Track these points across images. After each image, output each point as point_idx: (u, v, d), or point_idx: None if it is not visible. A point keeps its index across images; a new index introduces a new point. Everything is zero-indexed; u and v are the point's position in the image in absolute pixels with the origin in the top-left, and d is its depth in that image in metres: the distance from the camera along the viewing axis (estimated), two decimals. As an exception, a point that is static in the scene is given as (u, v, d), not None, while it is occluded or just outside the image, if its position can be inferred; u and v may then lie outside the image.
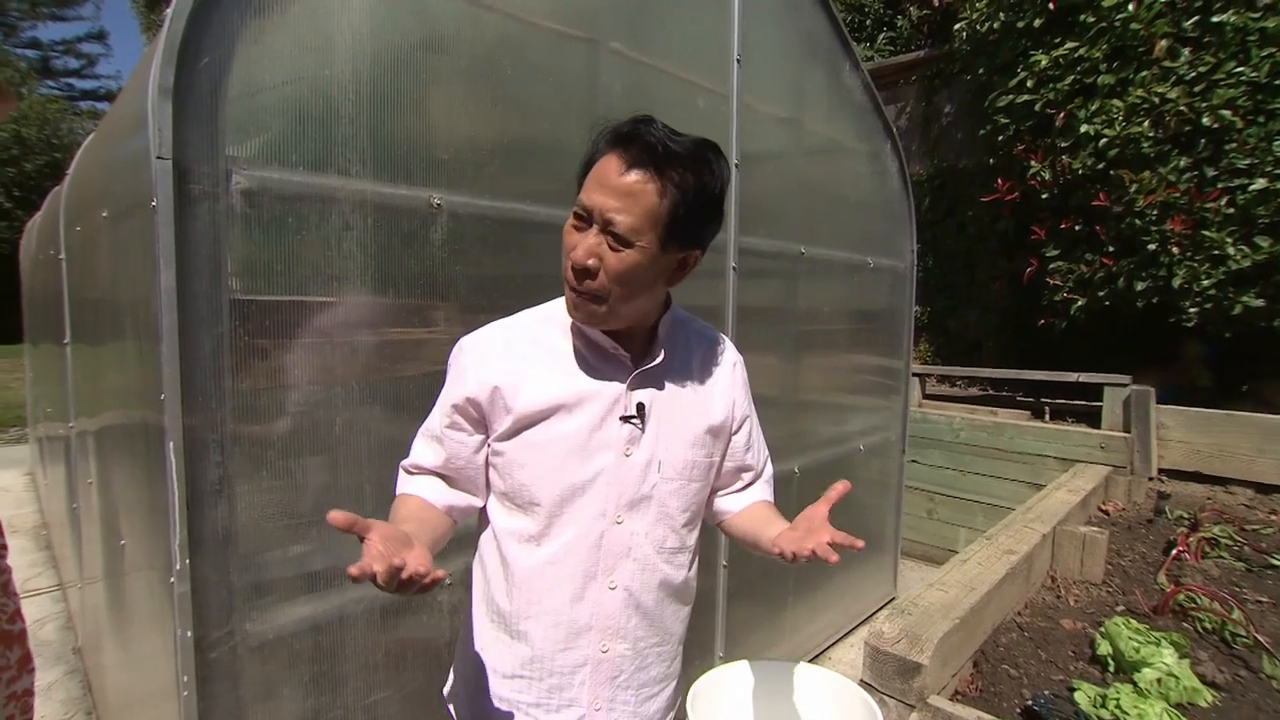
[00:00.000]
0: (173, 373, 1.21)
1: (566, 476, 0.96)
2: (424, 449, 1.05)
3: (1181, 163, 3.91)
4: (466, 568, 1.63)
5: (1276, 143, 3.66)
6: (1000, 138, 4.78)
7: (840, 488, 0.94)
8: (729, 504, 1.15)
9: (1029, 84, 4.46)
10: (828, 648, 3.21)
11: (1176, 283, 3.95)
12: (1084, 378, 4.17)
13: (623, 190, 0.87)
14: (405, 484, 1.06)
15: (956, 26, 5.23)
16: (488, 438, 1.01)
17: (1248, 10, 3.73)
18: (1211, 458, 3.71)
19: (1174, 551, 2.72)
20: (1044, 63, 4.34)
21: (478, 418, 1.00)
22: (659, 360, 1.01)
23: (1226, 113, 3.73)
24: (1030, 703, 1.74)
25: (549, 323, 1.03)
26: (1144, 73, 4.00)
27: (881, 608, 3.53)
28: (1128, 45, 4.05)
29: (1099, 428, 4.04)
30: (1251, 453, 3.56)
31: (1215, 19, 3.80)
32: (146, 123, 1.17)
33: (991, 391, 5.40)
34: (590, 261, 0.89)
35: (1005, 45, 4.71)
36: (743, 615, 2.62)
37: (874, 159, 3.34)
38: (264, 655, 1.37)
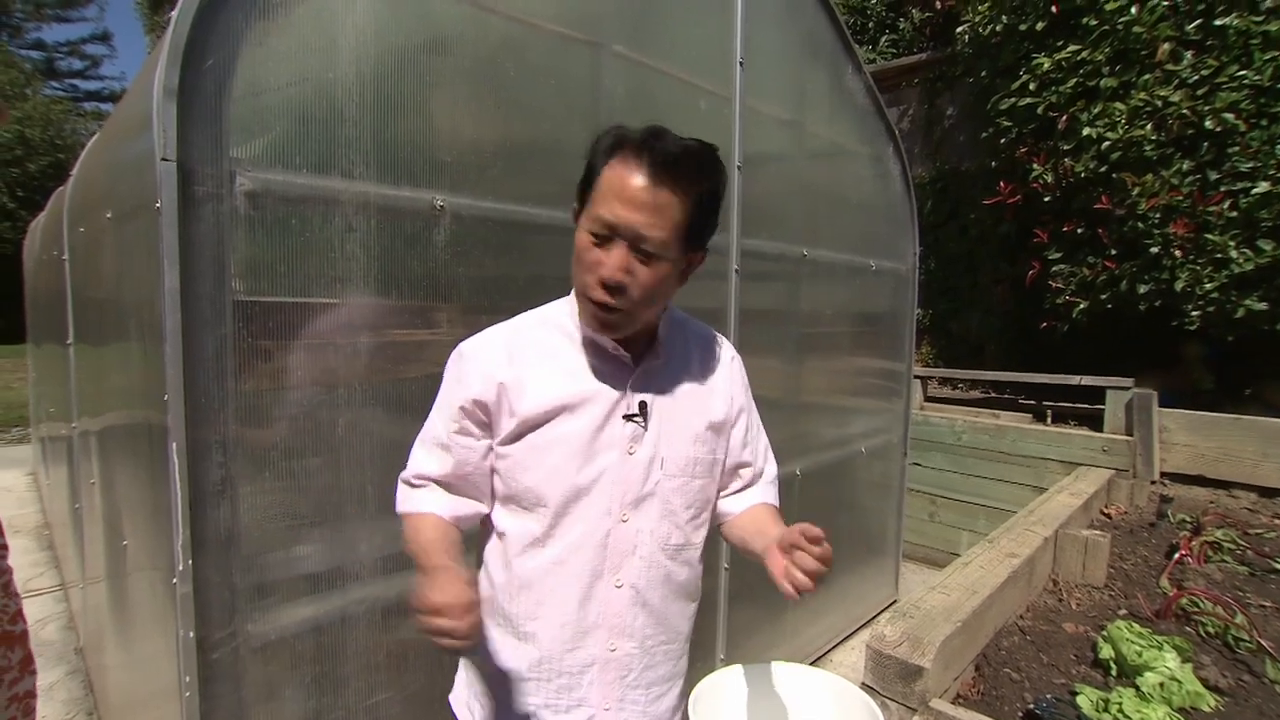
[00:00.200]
0: (176, 373, 1.21)
1: (571, 477, 0.96)
2: (427, 458, 1.03)
3: (1184, 166, 3.91)
4: (468, 568, 1.64)
5: (1279, 146, 3.65)
6: (1002, 140, 4.77)
7: (815, 533, 0.91)
8: (728, 506, 1.15)
9: (1031, 87, 4.45)
10: (829, 650, 3.20)
11: (1179, 286, 3.94)
12: (1086, 381, 4.16)
13: (650, 205, 0.88)
14: (411, 499, 1.05)
15: (959, 29, 5.23)
16: (493, 441, 1.01)
17: (1250, 14, 3.73)
18: (1215, 461, 3.70)
19: (1176, 555, 2.72)
20: (1046, 66, 4.34)
21: (485, 421, 1.00)
22: (659, 359, 1.02)
23: (1229, 116, 3.73)
24: (1032, 706, 1.73)
25: (547, 325, 1.03)
26: (1146, 76, 3.99)
27: (883, 610, 3.53)
28: (1130, 48, 4.05)
29: (1101, 431, 4.03)
30: (1255, 456, 3.55)
31: (1218, 22, 3.79)
32: (151, 124, 1.17)
33: (993, 394, 5.39)
34: (624, 278, 0.90)
35: (1008, 48, 4.71)
36: (744, 617, 2.62)
37: (876, 161, 3.35)
38: (266, 656, 1.37)
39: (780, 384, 2.85)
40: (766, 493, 1.17)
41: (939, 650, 1.71)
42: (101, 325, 2.03)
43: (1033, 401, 4.70)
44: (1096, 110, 4.14)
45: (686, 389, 1.06)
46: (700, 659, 2.36)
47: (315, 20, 1.37)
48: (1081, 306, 4.46)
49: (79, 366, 2.63)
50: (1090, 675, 1.95)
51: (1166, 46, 3.90)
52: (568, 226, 1.00)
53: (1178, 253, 3.92)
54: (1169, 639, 1.94)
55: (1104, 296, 4.33)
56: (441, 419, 1.02)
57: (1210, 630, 2.15)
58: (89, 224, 2.22)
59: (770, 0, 2.53)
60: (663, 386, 1.03)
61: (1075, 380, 4.22)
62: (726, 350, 1.15)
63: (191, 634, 1.25)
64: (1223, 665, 1.95)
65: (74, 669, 2.89)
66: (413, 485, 1.05)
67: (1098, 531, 2.70)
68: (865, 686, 1.74)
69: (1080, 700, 1.71)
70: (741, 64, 2.38)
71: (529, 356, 0.99)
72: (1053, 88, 4.36)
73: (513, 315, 1.08)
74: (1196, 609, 2.23)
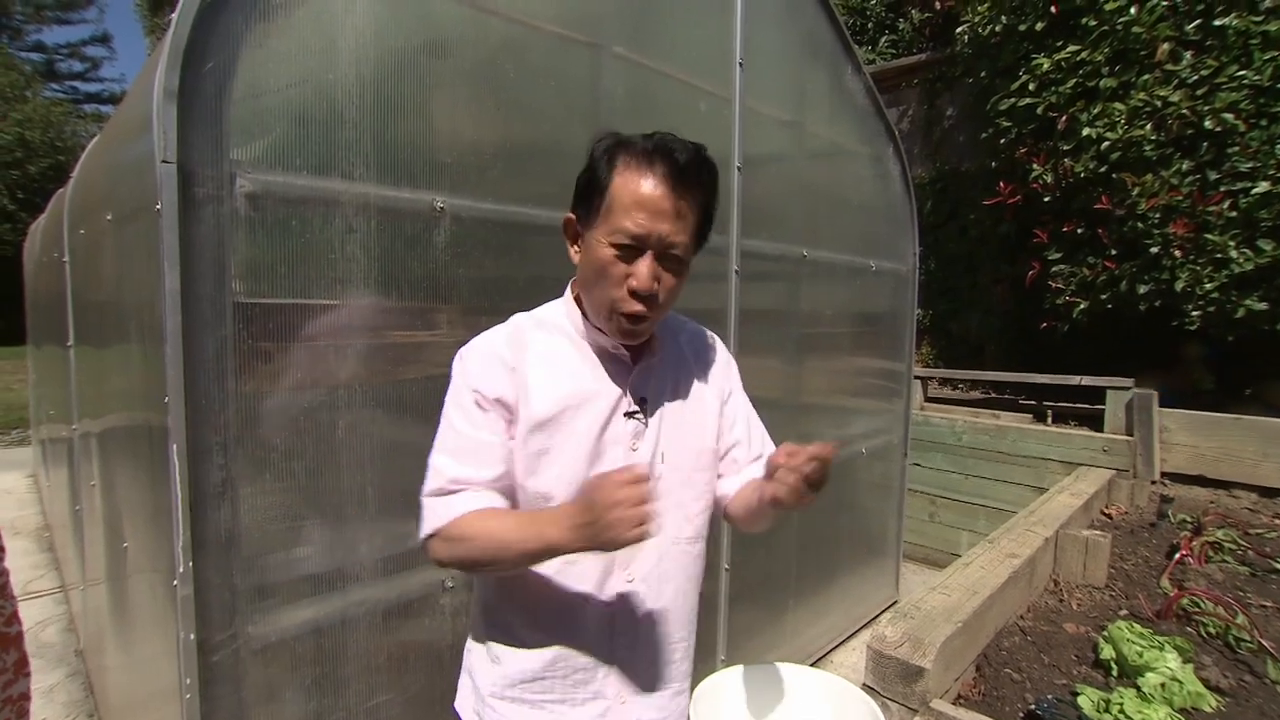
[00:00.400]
0: (176, 375, 1.21)
1: (579, 476, 0.97)
2: (458, 463, 0.95)
3: (1184, 166, 3.91)
4: (469, 570, 1.64)
5: (1279, 146, 3.65)
6: (1002, 141, 4.78)
7: (827, 449, 0.89)
8: (729, 488, 1.15)
9: (1031, 87, 4.46)
10: (829, 651, 3.20)
11: (1179, 286, 3.94)
12: (1086, 381, 4.16)
13: (672, 212, 0.90)
14: (451, 505, 0.93)
15: (958, 29, 5.23)
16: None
17: (1250, 14, 3.73)
18: (1215, 461, 3.70)
19: (1177, 555, 2.71)
20: (1046, 66, 4.34)
21: (509, 418, 0.98)
22: (656, 356, 1.05)
23: (1229, 116, 3.73)
24: (1033, 707, 1.73)
25: (545, 327, 1.04)
26: (1146, 76, 4.00)
27: (883, 611, 3.53)
28: (1130, 48, 4.05)
29: (1102, 431, 4.03)
30: (1255, 456, 3.55)
31: (1217, 22, 3.80)
32: (151, 126, 1.18)
33: (994, 394, 5.39)
34: (656, 288, 0.93)
35: (1007, 48, 4.71)
36: (744, 619, 2.61)
37: (876, 162, 3.35)
38: (266, 658, 1.37)
39: (780, 384, 2.85)
40: (759, 468, 1.17)
41: (940, 651, 1.71)
42: (102, 327, 2.03)
43: (1033, 402, 4.70)
44: (1096, 110, 4.14)
45: (683, 383, 1.08)
46: (700, 660, 2.35)
47: (315, 22, 1.37)
48: (1081, 307, 4.46)
49: (79, 368, 2.63)
50: (1091, 676, 1.95)
51: (1166, 46, 3.91)
52: (566, 229, 1.01)
53: (1178, 253, 3.92)
54: (1170, 639, 1.94)
55: (1104, 296, 4.33)
56: (464, 420, 0.97)
57: (1211, 630, 2.15)
58: (89, 226, 2.22)
59: (770, 1, 2.54)
60: (660, 382, 1.06)
61: (1075, 380, 4.22)
62: (716, 343, 1.19)
63: (192, 636, 1.25)
64: (1224, 665, 1.95)
65: (74, 671, 2.88)
66: (449, 492, 0.95)
67: (1098, 532, 2.70)
68: (866, 687, 1.74)
69: (1081, 701, 1.71)
70: (741, 65, 2.38)
71: (531, 357, 1.00)
72: (1052, 88, 4.37)
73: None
74: (1197, 609, 2.23)
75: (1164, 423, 3.83)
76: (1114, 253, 4.27)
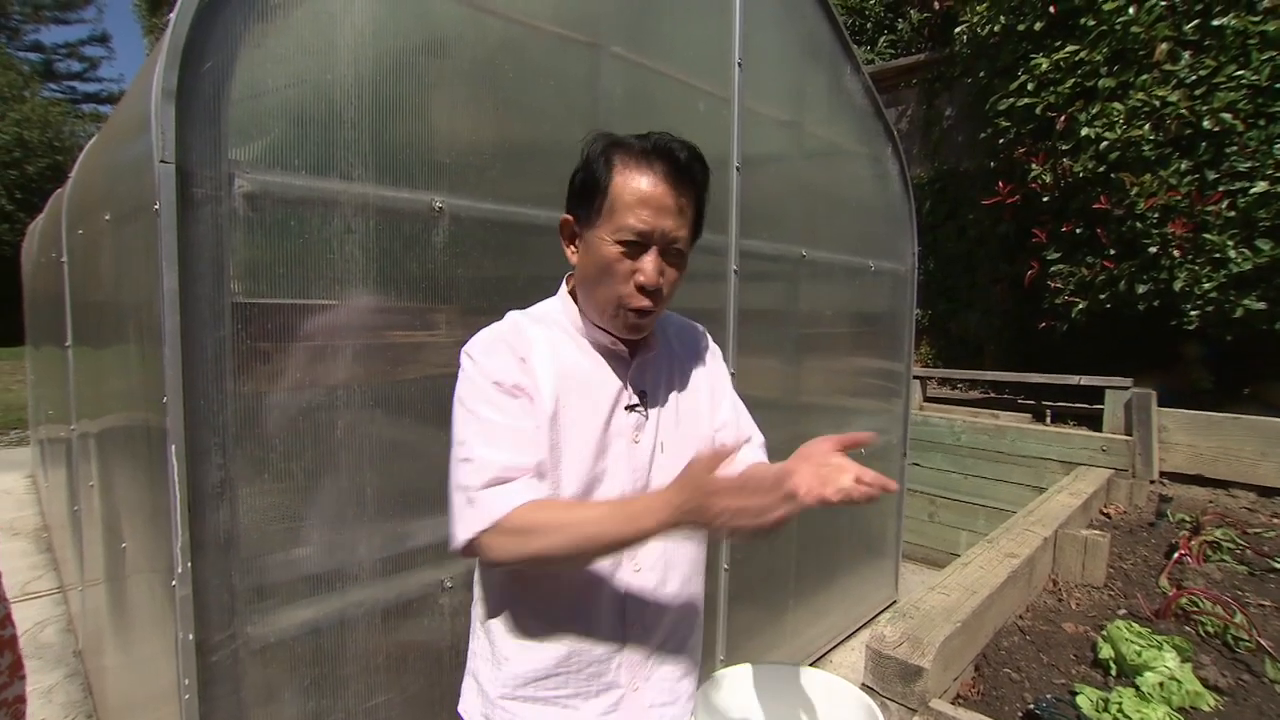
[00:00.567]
0: (175, 375, 1.21)
1: (585, 470, 0.98)
2: (500, 451, 0.91)
3: (1182, 166, 3.91)
4: (468, 569, 1.64)
5: (1277, 146, 3.65)
6: (1001, 141, 4.78)
7: (864, 436, 0.89)
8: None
9: (1030, 87, 4.46)
10: (829, 651, 3.20)
11: (1178, 286, 3.94)
12: (1085, 381, 4.17)
13: (674, 208, 0.94)
14: (510, 494, 0.89)
15: (957, 30, 5.24)
16: None
17: (1248, 14, 3.74)
18: (1213, 461, 3.70)
19: (1176, 555, 2.72)
20: (1045, 66, 4.35)
21: (531, 406, 0.96)
22: (652, 351, 1.08)
23: (1227, 116, 3.73)
24: (1032, 706, 1.73)
25: (544, 323, 1.05)
26: (1144, 76, 4.00)
27: (883, 611, 3.53)
28: (1128, 48, 4.06)
29: (1100, 431, 4.04)
30: (1254, 456, 3.55)
31: (1216, 22, 3.80)
32: (149, 126, 1.17)
33: (993, 394, 5.39)
34: (662, 282, 0.96)
35: (1006, 48, 4.71)
36: (744, 619, 2.62)
37: (875, 162, 3.35)
38: (265, 658, 1.37)
39: (779, 384, 2.85)
40: (758, 454, 1.19)
41: (939, 651, 1.71)
42: (100, 327, 2.03)
43: (1032, 401, 4.70)
44: (1095, 110, 4.14)
45: (677, 375, 1.12)
46: (700, 660, 2.36)
47: (314, 22, 1.37)
48: (1080, 306, 4.46)
49: (77, 369, 2.63)
50: (1090, 675, 1.95)
51: (1164, 46, 3.91)
52: (564, 229, 1.01)
53: (1176, 252, 3.92)
54: (1168, 639, 1.94)
55: (1103, 296, 4.34)
56: (493, 410, 0.93)
57: (1210, 630, 2.15)
58: (87, 226, 2.21)
59: (769, 1, 2.54)
60: (657, 376, 1.09)
61: (1074, 380, 4.23)
62: (701, 333, 1.23)
63: (191, 636, 1.25)
64: (1222, 665, 1.95)
65: (73, 672, 2.88)
66: (503, 480, 0.90)
67: (1097, 531, 2.70)
68: (865, 687, 1.74)
69: (1080, 700, 1.71)
70: (740, 65, 2.38)
71: (535, 351, 1.01)
72: (1051, 88, 4.37)
73: (512, 317, 1.08)
74: (1196, 608, 2.23)
75: (1163, 422, 3.84)
76: (1113, 252, 4.27)
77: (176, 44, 1.18)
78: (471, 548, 0.90)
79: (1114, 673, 1.93)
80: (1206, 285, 3.86)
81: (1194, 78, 3.87)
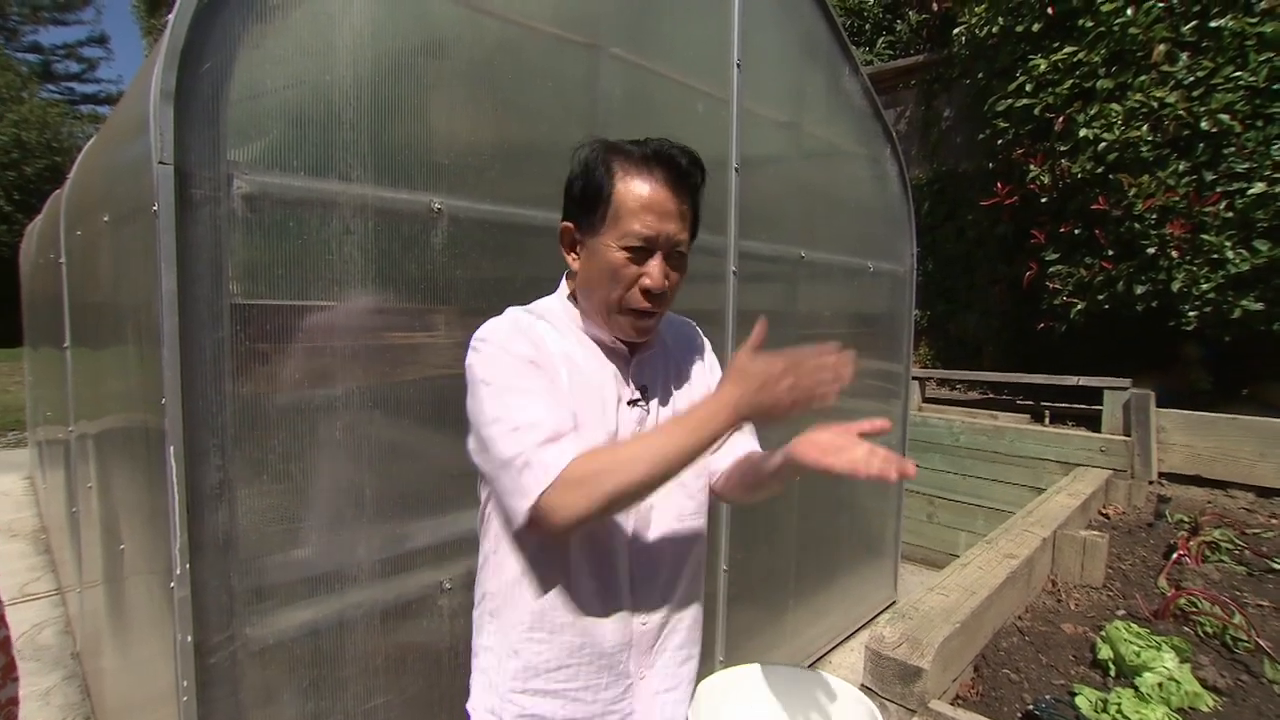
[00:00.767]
0: (173, 377, 1.21)
1: None
2: (548, 414, 0.91)
3: (1180, 167, 3.92)
4: (467, 571, 1.64)
5: (1275, 147, 3.66)
6: (999, 142, 4.79)
7: (879, 424, 0.91)
8: (717, 463, 1.19)
9: (1028, 88, 4.47)
10: (828, 652, 3.20)
11: (1176, 286, 3.95)
12: (1084, 381, 4.17)
13: (677, 213, 0.97)
14: (562, 450, 0.88)
15: (955, 31, 5.24)
16: None
17: (1245, 15, 3.74)
18: (1212, 461, 3.71)
19: (1174, 555, 2.72)
20: (1043, 67, 4.35)
21: (553, 385, 0.98)
22: (651, 348, 1.10)
23: (1225, 117, 3.74)
24: (1031, 707, 1.73)
25: (546, 319, 1.06)
26: (1142, 77, 4.01)
27: (882, 612, 3.53)
28: (1126, 50, 4.06)
29: (1099, 431, 4.04)
30: (1252, 456, 3.56)
31: (1213, 24, 3.81)
32: (148, 127, 1.17)
33: (991, 395, 5.40)
34: (667, 285, 0.99)
35: (1004, 50, 4.72)
36: (743, 619, 2.61)
37: (873, 163, 3.35)
38: (264, 660, 1.37)
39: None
40: (751, 442, 1.22)
41: (938, 651, 1.71)
42: (98, 329, 2.03)
43: (1030, 402, 4.71)
44: (1093, 111, 4.15)
45: (674, 370, 1.14)
46: (699, 661, 2.36)
47: (312, 23, 1.37)
48: (1079, 307, 4.46)
49: (76, 370, 2.62)
50: (1089, 676, 1.95)
51: (1162, 48, 3.92)
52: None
53: (1174, 253, 3.93)
54: (1167, 639, 1.94)
55: (1101, 297, 4.34)
56: (525, 380, 0.94)
57: (1208, 630, 2.15)
58: (86, 227, 2.21)
59: (767, 2, 2.54)
60: (655, 371, 1.11)
61: (1073, 381, 4.23)
62: (694, 329, 1.26)
63: (189, 638, 1.25)
64: (1221, 665, 1.96)
65: (71, 673, 2.88)
66: (556, 437, 0.89)
67: (1096, 532, 2.71)
68: (864, 688, 1.74)
69: (1079, 701, 1.71)
70: (739, 66, 2.38)
71: (544, 344, 1.02)
72: (1049, 89, 4.38)
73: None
74: (1194, 609, 2.24)
75: (1161, 423, 3.84)
76: (1111, 253, 4.27)
77: (175, 45, 1.17)
78: (538, 514, 0.87)
79: (1113, 673, 1.93)
80: (1204, 286, 3.86)
81: (1192, 79, 3.87)
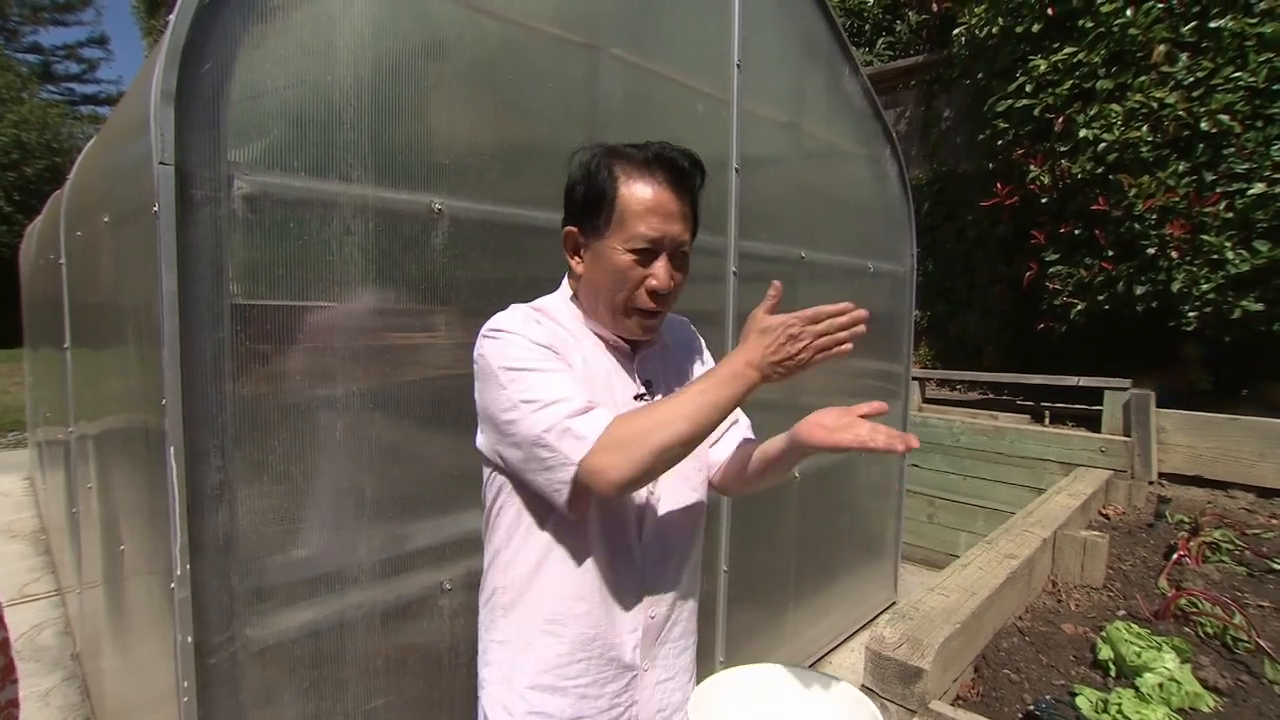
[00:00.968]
0: (174, 377, 1.21)
1: None
2: (576, 390, 0.93)
3: (1180, 167, 3.92)
4: (468, 572, 1.64)
5: (1275, 147, 3.66)
6: (999, 142, 4.79)
7: (877, 405, 0.94)
8: (717, 455, 1.21)
9: (1028, 89, 4.47)
10: (828, 652, 3.20)
11: (1176, 287, 3.95)
12: (1084, 381, 4.17)
13: (680, 214, 0.99)
14: (600, 415, 0.90)
15: (955, 31, 5.25)
16: None
17: (1245, 16, 3.74)
18: (1212, 461, 3.71)
19: (1175, 556, 2.72)
20: (1043, 68, 4.36)
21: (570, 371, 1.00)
22: (654, 345, 1.13)
23: (1225, 117, 3.74)
24: (1032, 707, 1.73)
25: (551, 316, 1.07)
26: (1142, 78, 4.01)
27: (882, 612, 3.52)
28: (1126, 50, 4.06)
29: (1099, 431, 4.04)
30: (1252, 456, 3.55)
31: (1213, 24, 3.81)
32: (148, 128, 1.17)
33: (992, 395, 5.40)
34: (673, 285, 1.01)
35: (1004, 50, 4.72)
36: (743, 620, 2.61)
37: (873, 163, 3.35)
38: (264, 660, 1.37)
39: (778, 386, 2.82)
40: (747, 433, 1.24)
41: (938, 652, 1.71)
42: (98, 329, 2.03)
43: (1030, 402, 4.71)
44: (1093, 112, 4.15)
45: (676, 365, 1.18)
46: (699, 661, 2.36)
47: (313, 23, 1.37)
48: (1079, 307, 4.46)
49: (76, 371, 2.62)
50: (1089, 676, 1.95)
51: (1162, 48, 3.92)
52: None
53: (1174, 254, 3.93)
54: (1168, 640, 1.94)
55: (1101, 297, 4.34)
56: (546, 361, 0.95)
57: (1209, 631, 2.15)
58: (86, 228, 2.21)
59: (767, 3, 2.54)
60: (657, 367, 1.14)
61: (1073, 381, 4.23)
62: (689, 326, 1.29)
63: (189, 638, 1.25)
64: (1221, 666, 1.95)
65: (70, 674, 2.87)
66: (588, 409, 0.91)
67: (1096, 532, 2.70)
68: (865, 688, 1.74)
69: (1080, 701, 1.71)
70: (739, 66, 2.38)
71: (555, 337, 1.03)
72: (1049, 89, 4.38)
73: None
74: (1195, 609, 2.24)
75: (1161, 423, 3.84)
76: (1111, 254, 4.28)
77: (175, 45, 1.17)
78: (585, 479, 0.88)
79: (1113, 674, 1.93)
80: (1204, 286, 3.86)
81: (1191, 79, 3.88)
